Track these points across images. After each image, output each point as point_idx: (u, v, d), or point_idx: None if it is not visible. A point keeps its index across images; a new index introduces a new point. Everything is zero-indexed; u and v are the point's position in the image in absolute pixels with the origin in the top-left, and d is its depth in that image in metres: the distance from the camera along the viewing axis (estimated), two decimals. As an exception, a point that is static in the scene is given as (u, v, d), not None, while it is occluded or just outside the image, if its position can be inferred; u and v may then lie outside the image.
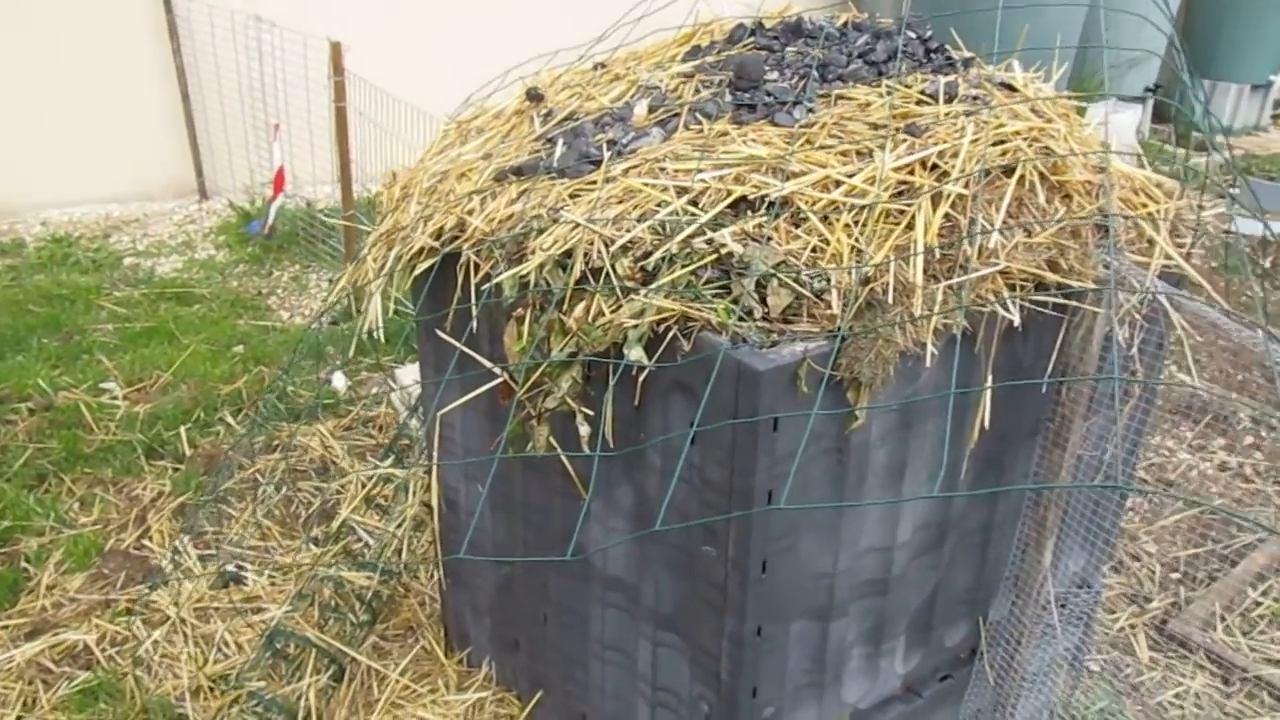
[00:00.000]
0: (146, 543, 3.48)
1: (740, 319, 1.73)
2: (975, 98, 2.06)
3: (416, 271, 2.21)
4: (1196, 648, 3.35)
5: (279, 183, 5.80)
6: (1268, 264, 6.67)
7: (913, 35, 2.23)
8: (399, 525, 3.03)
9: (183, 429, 4.02)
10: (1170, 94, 9.92)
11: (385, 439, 4.00)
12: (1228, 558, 3.82)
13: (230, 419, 4.18)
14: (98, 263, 5.80)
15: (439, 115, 3.39)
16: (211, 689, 2.83)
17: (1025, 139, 1.98)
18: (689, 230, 1.80)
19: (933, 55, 2.20)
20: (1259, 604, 3.60)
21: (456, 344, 2.13)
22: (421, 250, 2.19)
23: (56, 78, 6.16)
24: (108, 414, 4.13)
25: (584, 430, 1.93)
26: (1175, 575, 3.77)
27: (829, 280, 1.76)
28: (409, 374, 4.22)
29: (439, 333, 2.23)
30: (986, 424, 1.96)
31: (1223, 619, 3.51)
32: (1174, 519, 4.04)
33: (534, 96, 2.35)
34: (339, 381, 4.41)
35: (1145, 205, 2.09)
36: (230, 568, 3.28)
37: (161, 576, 3.25)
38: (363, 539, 3.27)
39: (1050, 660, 2.55)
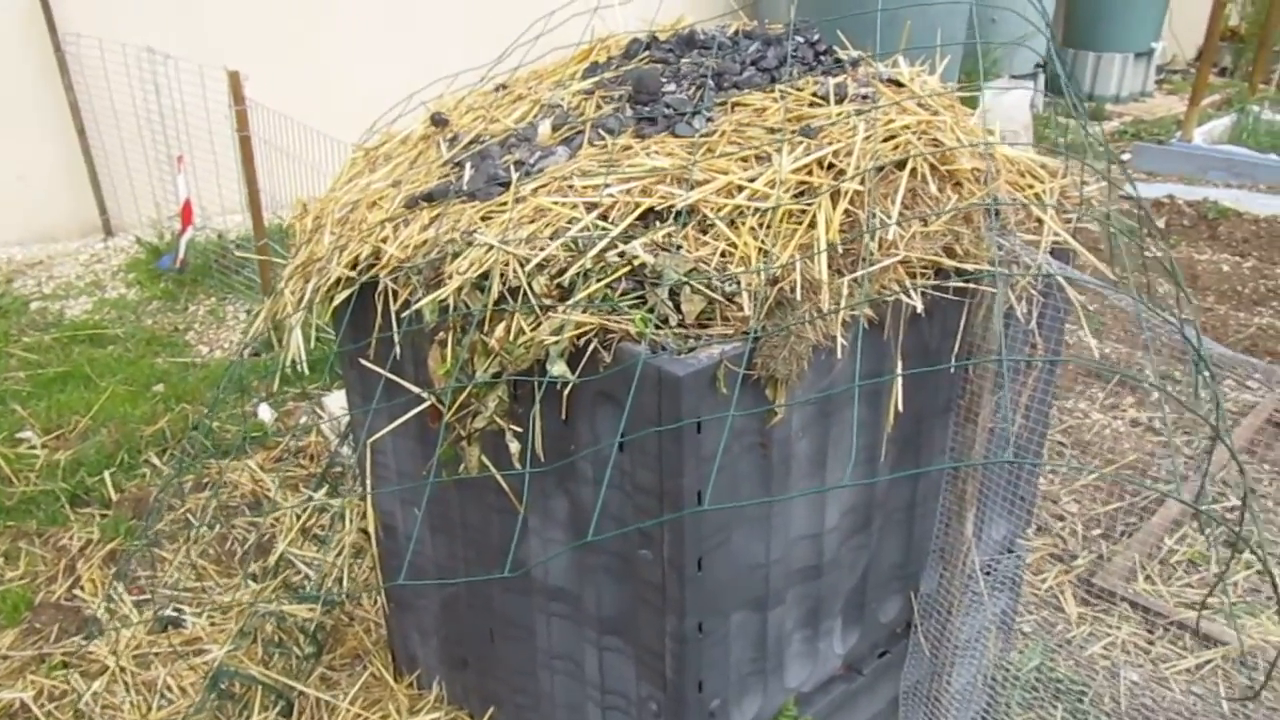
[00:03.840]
0: (78, 593, 3.41)
1: (657, 327, 1.79)
2: (865, 96, 2.14)
3: (335, 302, 2.22)
4: (1120, 599, 3.51)
5: (187, 215, 5.69)
6: (1161, 224, 6.98)
7: (801, 40, 2.31)
8: (338, 554, 3.03)
9: (107, 474, 3.94)
10: (1062, 64, 10.29)
11: (317, 468, 3.98)
12: (1145, 510, 4.01)
13: (156, 460, 4.10)
14: (3, 309, 5.62)
15: (344, 139, 3.38)
16: (159, 737, 2.80)
17: (914, 133, 2.07)
18: (601, 245, 1.85)
19: (822, 58, 2.29)
20: (1175, 551, 3.79)
21: (381, 371, 2.15)
22: (339, 280, 2.20)
23: (-59, 123, 5.96)
24: (26, 464, 4.03)
25: (514, 447, 1.97)
26: (1097, 531, 3.95)
27: (739, 283, 1.82)
28: (336, 401, 4.19)
29: (363, 361, 2.24)
30: (900, 407, 2.04)
31: (1143, 568, 3.68)
32: (1092, 478, 4.22)
33: (439, 121, 2.37)
34: (265, 413, 4.36)
35: (1031, 186, 2.20)
36: (168, 611, 3.24)
37: (97, 626, 3.19)
38: (302, 571, 3.25)
39: (981, 626, 2.67)
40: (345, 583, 3.13)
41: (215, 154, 5.47)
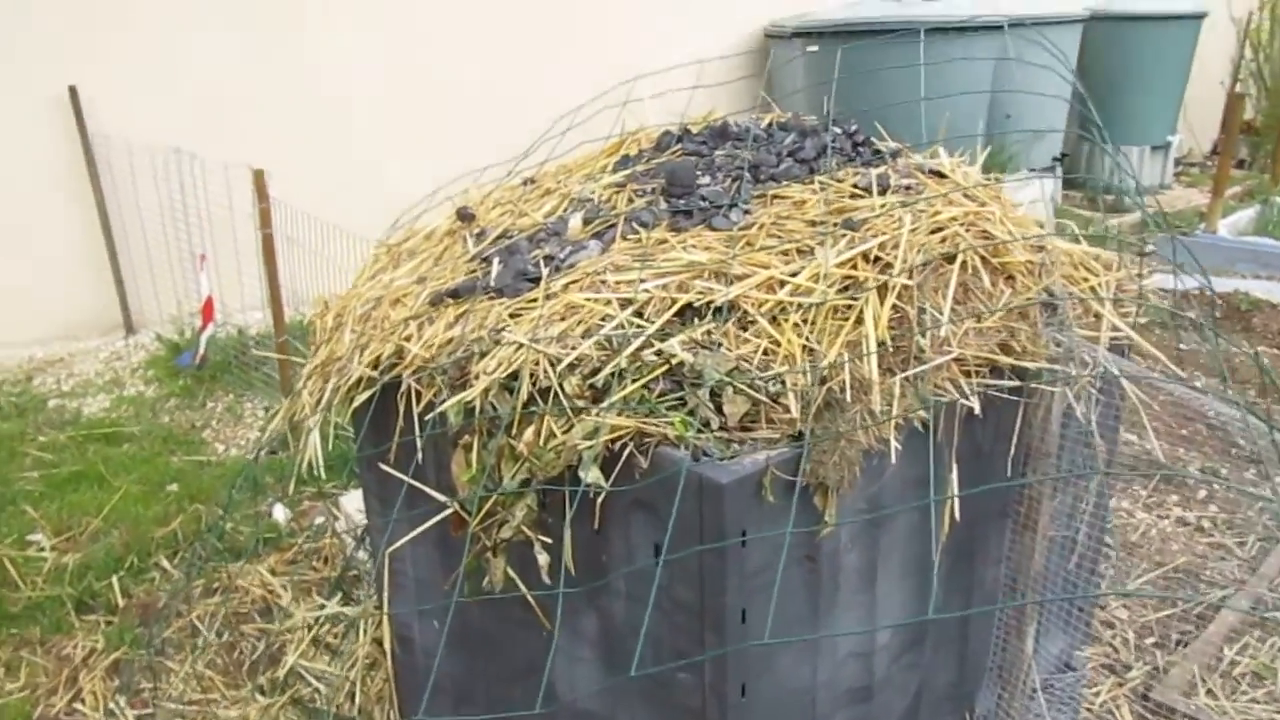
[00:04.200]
0: (79, 706, 3.24)
1: (698, 430, 1.67)
2: (908, 187, 2.07)
3: (355, 403, 2.12)
4: (1181, 716, 3.28)
5: (208, 312, 5.67)
6: (1217, 315, 6.86)
7: (839, 130, 2.25)
8: (350, 667, 2.86)
9: (115, 578, 3.80)
10: (1077, 161, 10.33)
11: (331, 571, 3.83)
12: (1200, 617, 3.79)
13: (166, 563, 3.96)
14: (20, 407, 5.56)
15: (367, 236, 3.34)
16: None
17: (962, 224, 1.98)
18: (637, 344, 1.74)
19: (860, 149, 2.22)
20: (1237, 662, 3.56)
21: (402, 477, 2.03)
22: (360, 380, 2.10)
23: (-31, 221, 6.02)
24: (34, 568, 3.89)
25: (543, 559, 1.83)
26: (1150, 640, 3.73)
27: (784, 383, 1.71)
28: (353, 501, 4.07)
29: (382, 465, 2.13)
30: (957, 515, 1.90)
31: (1204, 681, 3.45)
32: (1139, 581, 4.01)
33: (465, 216, 2.31)
34: (280, 514, 4.23)
35: (1086, 279, 2.09)
36: (171, 728, 3.06)
37: (96, 746, 3.02)
38: (312, 685, 3.08)
39: (1042, 749, 2.47)
40: (358, 697, 2.95)
41: (238, 251, 5.47)
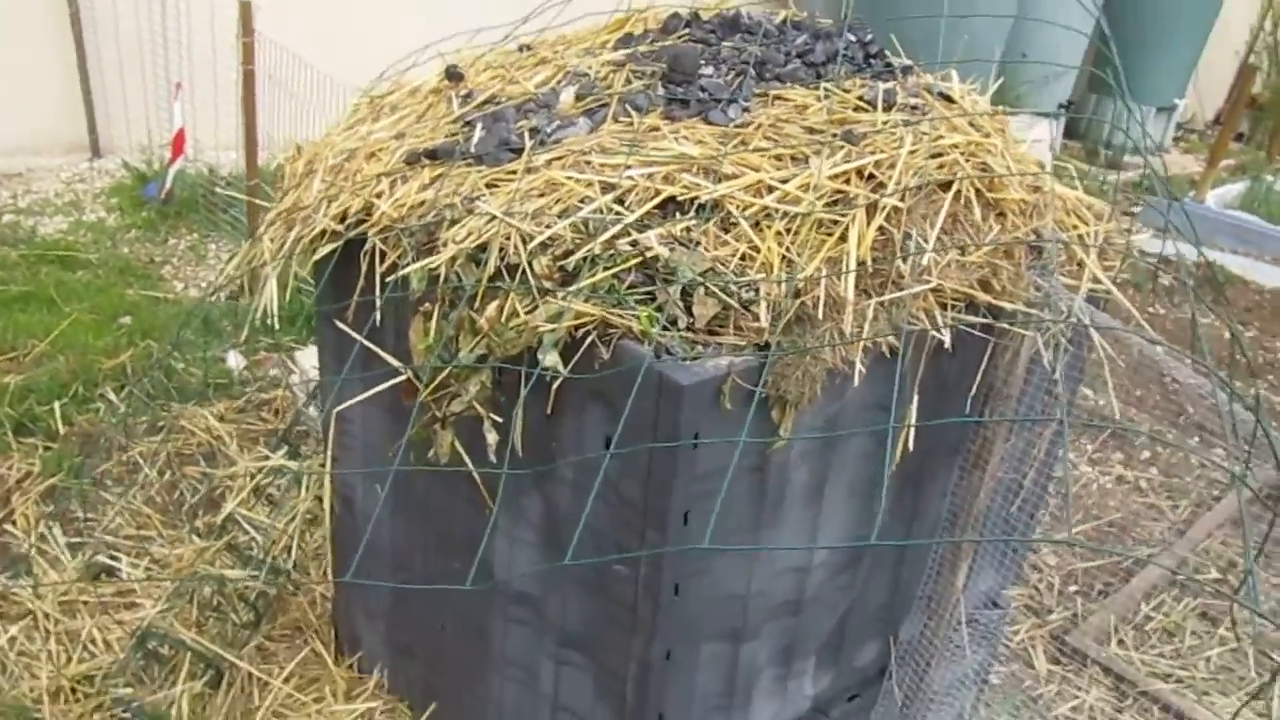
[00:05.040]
0: (9, 528, 3.21)
1: (664, 328, 1.63)
2: (914, 107, 1.99)
3: (317, 256, 2.05)
4: (1092, 661, 3.40)
5: (179, 145, 5.47)
6: (1167, 282, 6.88)
7: (853, 38, 2.16)
8: (290, 521, 2.86)
9: (57, 404, 3.74)
10: (1081, 111, 10.18)
11: (280, 424, 3.79)
12: (1125, 571, 3.89)
13: (112, 395, 3.90)
14: (-29, 219, 5.40)
15: (354, 87, 3.20)
16: (74, 692, 2.61)
17: (962, 153, 1.92)
18: (614, 230, 1.69)
19: (872, 60, 2.13)
20: (1151, 618, 3.68)
21: (358, 337, 1.98)
22: (323, 233, 2.03)
23: (-67, 18, 5.71)
24: (-27, 386, 3.83)
25: (491, 438, 1.81)
26: (1073, 588, 3.83)
27: (758, 291, 1.67)
28: (309, 357, 4.01)
29: (339, 324, 2.07)
30: (911, 445, 1.89)
31: (1118, 632, 3.57)
32: (1075, 531, 4.10)
33: (453, 75, 2.20)
34: (233, 361, 4.17)
35: (1076, 227, 2.05)
36: (102, 558, 3.05)
37: (24, 565, 3.01)
38: (250, 534, 3.08)
39: (957, 678, 2.54)
40: (294, 551, 2.96)
41: (216, 85, 5.25)
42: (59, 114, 6.25)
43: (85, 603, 2.90)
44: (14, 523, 3.21)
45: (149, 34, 5.70)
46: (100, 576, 3.00)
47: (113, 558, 3.09)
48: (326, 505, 2.47)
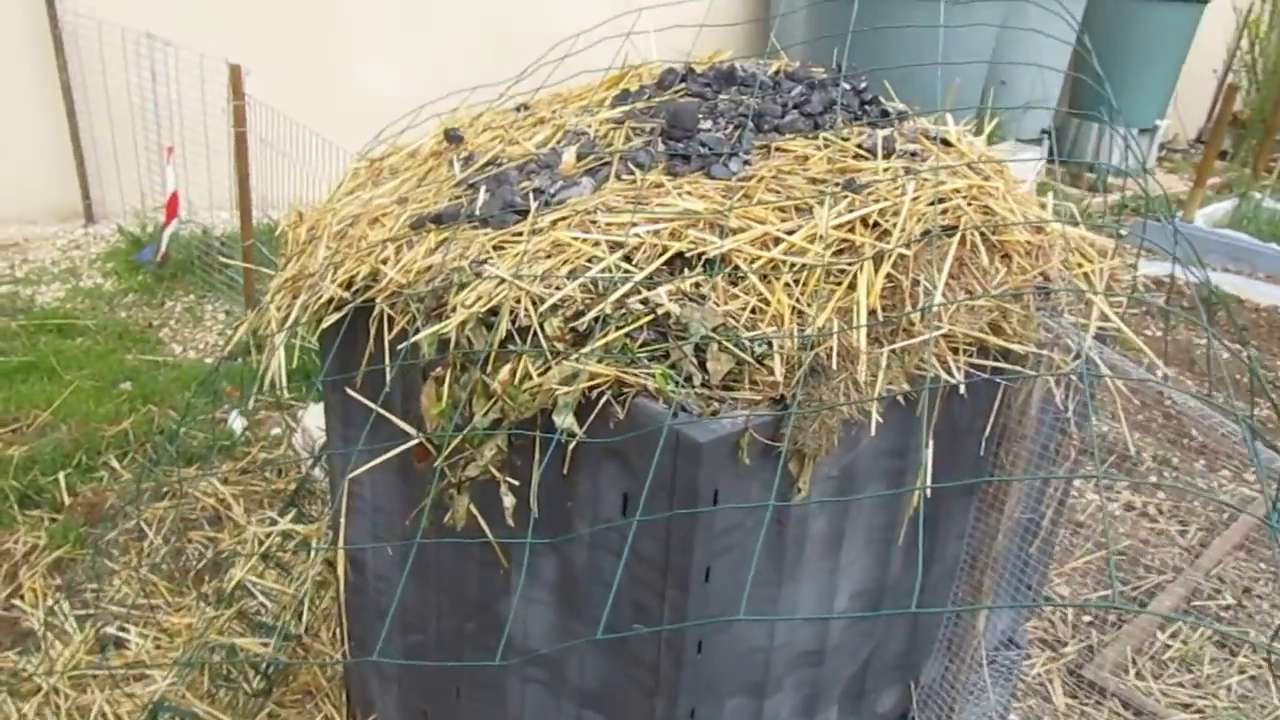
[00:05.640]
0: (17, 603, 3.18)
1: (679, 385, 1.63)
2: (913, 153, 2.01)
3: (325, 324, 2.04)
4: (1110, 695, 3.36)
5: (172, 208, 5.49)
6: (1185, 306, 6.91)
7: (847, 86, 2.18)
8: (300, 585, 2.83)
9: (61, 474, 3.72)
10: (1063, 136, 10.28)
11: (285, 484, 3.77)
12: (1136, 599, 3.87)
13: (115, 463, 3.89)
14: (-31, 290, 5.40)
15: (346, 146, 3.22)
16: (87, 771, 2.58)
17: (965, 198, 1.93)
18: (624, 289, 1.69)
19: (867, 107, 2.15)
20: (1168, 647, 3.65)
21: (370, 404, 1.97)
22: (330, 301, 2.03)
23: (-74, 90, 5.75)
24: (-24, 459, 3.80)
25: (508, 501, 1.79)
26: (1087, 619, 3.80)
27: (771, 345, 1.67)
28: (313, 415, 4.00)
29: (349, 391, 2.07)
30: (928, 492, 1.89)
31: (1134, 662, 3.54)
32: (1083, 560, 4.08)
33: (453, 138, 2.22)
34: (236, 423, 4.15)
35: (1080, 265, 2.06)
36: (110, 629, 3.02)
37: (34, 641, 2.97)
38: (259, 600, 3.05)
39: (978, 719, 2.51)
40: (305, 616, 2.92)
41: (208, 148, 5.28)
42: (53, 182, 6.29)
43: (95, 676, 2.86)
44: (22, 597, 3.17)
45: (139, 100, 5.75)
46: (109, 648, 2.97)
47: (121, 629, 3.05)
48: (340, 569, 2.45)
